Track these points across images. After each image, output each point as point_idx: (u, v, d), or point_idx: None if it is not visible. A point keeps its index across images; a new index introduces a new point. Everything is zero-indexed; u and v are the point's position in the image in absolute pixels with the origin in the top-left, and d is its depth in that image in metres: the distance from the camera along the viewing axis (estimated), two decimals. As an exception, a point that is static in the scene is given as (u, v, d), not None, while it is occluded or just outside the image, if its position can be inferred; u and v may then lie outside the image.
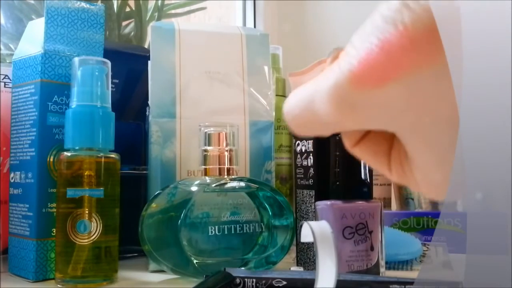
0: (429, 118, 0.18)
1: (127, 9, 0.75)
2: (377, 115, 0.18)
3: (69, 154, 0.43)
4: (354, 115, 0.18)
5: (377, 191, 0.67)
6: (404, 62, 0.16)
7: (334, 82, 0.18)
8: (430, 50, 0.16)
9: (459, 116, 0.17)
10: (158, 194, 0.47)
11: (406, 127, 0.19)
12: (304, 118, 0.20)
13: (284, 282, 0.36)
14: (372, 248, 0.41)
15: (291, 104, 0.21)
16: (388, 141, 0.22)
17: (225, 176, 0.47)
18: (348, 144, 0.22)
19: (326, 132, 0.20)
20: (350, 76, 0.17)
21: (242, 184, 0.47)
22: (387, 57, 0.16)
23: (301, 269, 0.45)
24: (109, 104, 0.45)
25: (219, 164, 0.47)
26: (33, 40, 0.48)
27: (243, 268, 0.44)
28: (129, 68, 0.62)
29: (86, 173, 0.43)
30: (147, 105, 0.54)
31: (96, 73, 0.44)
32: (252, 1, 1.17)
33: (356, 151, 0.22)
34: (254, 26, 1.15)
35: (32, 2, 0.69)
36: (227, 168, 0.47)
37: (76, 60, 0.44)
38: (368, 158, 0.22)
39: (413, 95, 0.17)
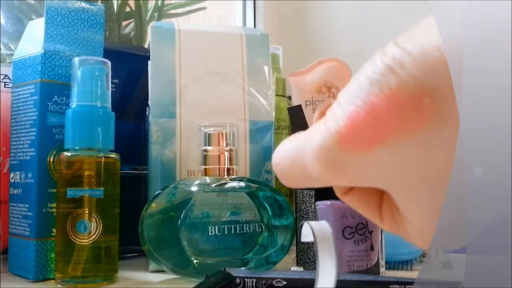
0: (417, 180, 0.18)
1: (127, 9, 0.75)
2: (365, 175, 0.18)
3: (69, 154, 0.43)
4: (343, 175, 0.18)
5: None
6: (392, 127, 0.16)
7: (321, 143, 0.18)
8: (416, 117, 0.16)
9: (449, 175, 0.17)
10: (158, 194, 0.47)
11: (394, 186, 0.19)
12: (294, 173, 0.20)
13: (284, 282, 0.36)
14: (372, 248, 0.41)
15: (279, 156, 0.21)
16: (378, 192, 0.22)
17: (225, 176, 0.47)
18: (338, 192, 0.22)
19: (316, 185, 0.20)
20: (338, 137, 0.17)
21: (242, 184, 0.47)
22: (374, 120, 0.16)
23: (301, 269, 0.45)
24: (109, 104, 0.45)
25: (219, 164, 0.47)
26: (33, 40, 0.48)
27: (243, 268, 0.44)
28: (129, 68, 0.62)
29: (86, 173, 0.43)
30: (147, 105, 0.54)
31: (96, 73, 0.44)
32: (252, 1, 1.17)
33: (347, 200, 0.22)
34: (254, 26, 1.15)
35: (32, 2, 0.69)
36: (227, 168, 0.47)
37: (76, 60, 0.44)
38: (359, 208, 0.22)
39: (400, 159, 0.17)
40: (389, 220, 0.21)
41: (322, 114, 0.19)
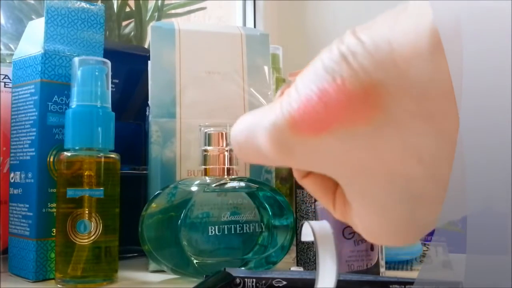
0: (363, 173, 0.18)
1: (127, 9, 0.75)
2: (312, 160, 0.18)
3: (69, 154, 0.43)
4: (291, 157, 0.18)
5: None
6: (340, 116, 0.16)
7: (273, 122, 0.18)
8: (365, 109, 0.16)
9: (401, 178, 0.17)
10: (158, 194, 0.47)
11: (340, 176, 0.19)
12: (248, 149, 0.20)
13: (284, 282, 0.36)
14: (372, 248, 0.41)
15: (236, 130, 0.21)
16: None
17: (225, 176, 0.46)
18: (297, 175, 0.22)
19: (267, 163, 0.20)
20: (289, 119, 0.17)
21: (242, 184, 0.47)
22: (324, 108, 0.16)
23: (301, 269, 0.45)
24: (109, 104, 0.45)
25: (219, 164, 0.47)
26: (33, 40, 0.48)
27: (243, 268, 0.44)
28: (129, 68, 0.62)
29: (86, 173, 0.43)
30: (147, 105, 0.54)
31: (96, 73, 0.44)
32: (252, 1, 1.17)
33: (305, 183, 0.22)
34: (254, 26, 1.15)
35: (32, 2, 0.69)
36: (227, 168, 0.47)
37: (76, 60, 0.44)
38: (316, 193, 0.22)
39: (346, 149, 0.17)
40: (340, 208, 0.21)
41: (283, 93, 0.19)
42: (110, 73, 0.45)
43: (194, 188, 0.46)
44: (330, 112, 0.16)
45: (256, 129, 0.19)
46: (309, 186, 0.22)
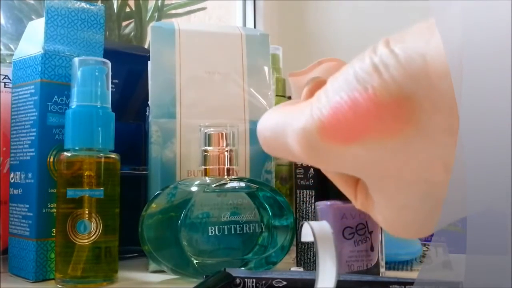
0: (387, 177, 0.18)
1: (127, 9, 0.75)
2: (340, 164, 0.19)
3: (69, 154, 0.43)
4: (319, 160, 0.19)
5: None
6: (369, 127, 0.17)
7: (303, 126, 0.18)
8: (395, 122, 0.16)
9: (427, 183, 0.17)
10: (158, 194, 0.47)
11: (366, 178, 0.19)
12: (275, 144, 0.21)
13: (284, 282, 0.36)
14: (372, 248, 0.41)
15: (263, 125, 0.22)
16: None
17: (225, 176, 0.46)
18: None
19: (294, 160, 0.21)
20: (319, 125, 0.18)
21: (242, 184, 0.47)
22: (354, 117, 0.17)
23: (301, 269, 0.45)
24: (109, 104, 0.45)
25: (219, 164, 0.47)
26: (33, 40, 0.48)
27: (243, 268, 0.44)
28: (129, 68, 0.62)
29: (86, 173, 0.43)
30: (147, 105, 0.54)
31: (96, 73, 0.44)
32: (252, 1, 1.17)
33: (328, 173, 0.23)
34: (254, 26, 1.15)
35: (32, 2, 0.69)
36: (227, 168, 0.47)
37: (76, 60, 0.44)
38: (338, 183, 0.23)
39: (373, 158, 0.17)
40: (362, 200, 0.22)
41: (312, 92, 0.20)
42: (110, 73, 0.45)
43: (194, 188, 0.46)
44: (360, 121, 0.17)
45: (286, 128, 0.20)
46: (332, 176, 0.23)
